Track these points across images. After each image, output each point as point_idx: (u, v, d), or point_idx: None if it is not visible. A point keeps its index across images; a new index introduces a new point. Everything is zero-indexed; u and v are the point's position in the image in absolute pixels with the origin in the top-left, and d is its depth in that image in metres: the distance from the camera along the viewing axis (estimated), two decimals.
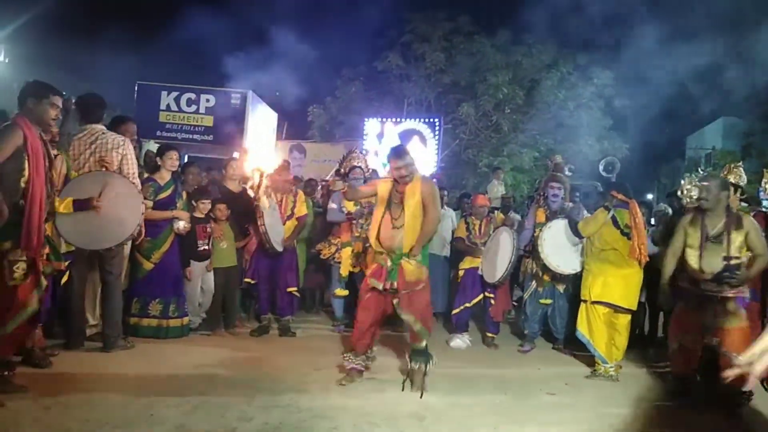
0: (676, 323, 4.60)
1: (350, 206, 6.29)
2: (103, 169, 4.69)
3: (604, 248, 5.26)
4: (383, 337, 5.29)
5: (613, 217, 5.27)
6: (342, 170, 6.70)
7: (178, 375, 4.34)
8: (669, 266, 4.50)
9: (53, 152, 4.01)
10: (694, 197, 4.39)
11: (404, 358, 4.66)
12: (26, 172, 3.52)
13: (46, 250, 3.84)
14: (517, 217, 7.31)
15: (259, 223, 5.69)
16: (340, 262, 6.32)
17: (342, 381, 4.43)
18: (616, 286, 5.14)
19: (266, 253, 5.99)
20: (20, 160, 3.51)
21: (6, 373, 3.64)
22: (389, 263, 4.33)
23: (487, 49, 15.34)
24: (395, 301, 4.37)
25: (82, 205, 4.28)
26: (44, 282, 3.78)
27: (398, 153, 4.44)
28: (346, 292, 6.41)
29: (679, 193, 4.75)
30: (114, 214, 4.50)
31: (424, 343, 4.40)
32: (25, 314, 3.61)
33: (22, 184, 3.53)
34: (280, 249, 5.91)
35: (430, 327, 4.50)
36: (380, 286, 4.35)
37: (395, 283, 4.32)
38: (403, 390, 4.31)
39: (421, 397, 4.19)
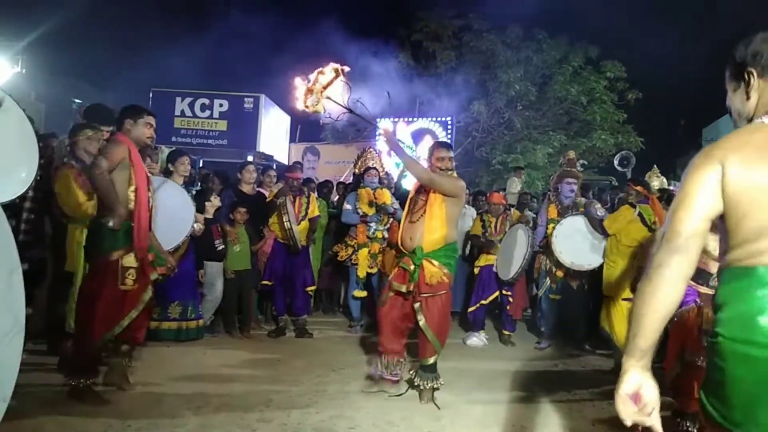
0: (678, 334, 3.58)
1: (365, 208, 6.33)
2: None
3: (632, 245, 5.19)
4: None
5: (639, 214, 5.22)
6: (357, 170, 6.74)
7: (198, 376, 4.39)
8: None
9: None
10: None
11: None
12: (133, 183, 3.84)
13: (152, 256, 3.99)
14: (531, 214, 7.30)
15: (284, 220, 5.78)
16: (357, 264, 6.35)
17: (364, 389, 4.28)
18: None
19: (282, 254, 6.06)
20: (127, 171, 3.82)
21: (89, 381, 3.71)
22: (411, 266, 4.15)
23: (497, 46, 15.27)
24: (416, 305, 4.16)
25: None
26: (151, 288, 3.97)
27: (447, 145, 4.58)
28: (364, 293, 6.45)
29: None
30: (169, 217, 4.56)
31: (432, 360, 4.14)
32: (129, 319, 3.84)
33: (131, 195, 3.84)
34: (300, 247, 6.00)
35: (443, 342, 4.19)
36: (403, 288, 4.17)
37: (414, 285, 4.14)
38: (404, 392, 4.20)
39: (435, 404, 4.05)
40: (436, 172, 4.26)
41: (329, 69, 4.26)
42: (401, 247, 4.35)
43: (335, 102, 4.26)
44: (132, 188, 3.84)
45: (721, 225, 1.47)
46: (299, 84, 4.28)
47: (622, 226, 5.27)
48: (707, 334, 1.55)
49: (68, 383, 3.69)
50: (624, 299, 5.15)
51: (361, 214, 6.35)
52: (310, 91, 4.22)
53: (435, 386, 4.12)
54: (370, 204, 6.36)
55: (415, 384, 4.16)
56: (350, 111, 4.36)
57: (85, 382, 3.67)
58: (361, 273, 6.35)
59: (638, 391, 1.43)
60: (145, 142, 4.03)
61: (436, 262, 4.14)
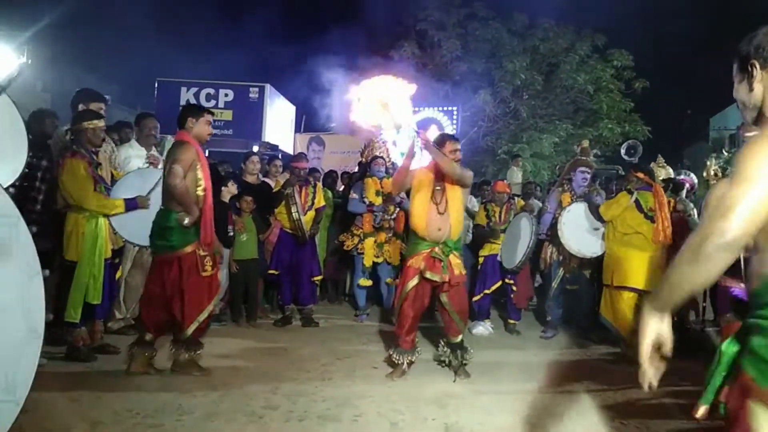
0: None
1: (372, 197, 6.32)
2: (149, 165, 4.81)
3: (627, 232, 5.21)
4: None
5: (636, 200, 5.21)
6: (364, 159, 6.73)
7: (204, 365, 4.42)
8: None
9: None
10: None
11: (427, 347, 4.71)
12: (202, 182, 4.13)
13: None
14: (538, 203, 7.27)
15: (292, 210, 5.80)
16: (363, 253, 6.36)
17: (391, 375, 4.40)
18: (640, 270, 5.10)
19: (288, 244, 6.08)
20: (196, 172, 4.09)
21: (197, 353, 4.20)
22: (442, 255, 4.35)
23: (503, 34, 15.18)
24: (443, 295, 4.41)
25: (132, 205, 4.45)
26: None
27: (456, 138, 4.79)
28: (370, 283, 6.48)
29: (704, 173, 4.71)
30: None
31: (460, 337, 4.51)
32: (213, 305, 4.30)
33: (200, 192, 4.12)
34: (308, 237, 6.03)
35: (466, 321, 4.69)
36: (438, 278, 4.33)
37: (446, 276, 4.35)
38: (454, 381, 4.36)
39: (462, 377, 4.40)
40: None
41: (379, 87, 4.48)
42: (427, 237, 4.39)
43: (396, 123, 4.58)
44: (201, 188, 4.12)
45: None
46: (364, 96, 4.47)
47: (617, 213, 5.26)
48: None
49: (182, 356, 4.12)
50: (621, 287, 5.14)
51: (367, 203, 6.35)
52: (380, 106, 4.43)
53: (469, 359, 4.47)
54: (377, 193, 6.36)
55: (448, 361, 4.50)
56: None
57: (193, 354, 4.16)
58: (368, 262, 6.36)
59: (658, 337, 1.56)
60: (206, 138, 4.27)
61: (458, 255, 4.49)
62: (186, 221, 3.99)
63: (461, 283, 4.49)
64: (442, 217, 4.38)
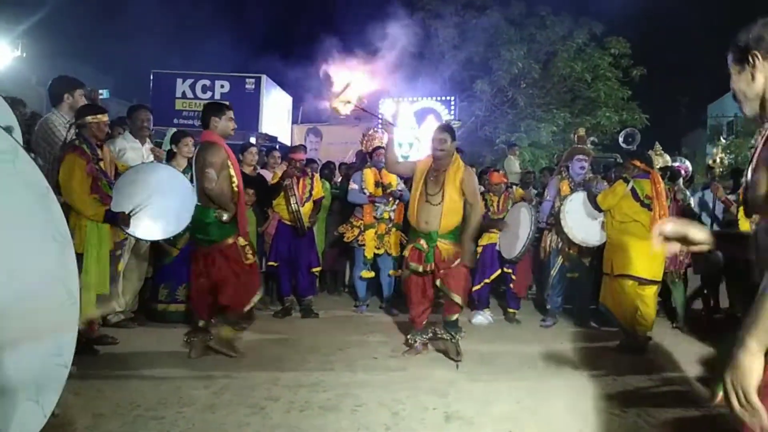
0: None
1: (371, 188, 6.30)
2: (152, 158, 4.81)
3: (625, 221, 5.22)
4: (406, 317, 5.35)
5: (632, 189, 5.21)
6: (364, 149, 6.71)
7: (205, 357, 4.43)
8: None
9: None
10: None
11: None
12: (235, 179, 4.39)
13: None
14: (533, 191, 7.27)
15: (291, 201, 5.79)
16: (363, 245, 6.36)
17: (405, 353, 4.71)
18: (639, 258, 5.10)
19: (287, 235, 6.07)
20: (228, 170, 4.35)
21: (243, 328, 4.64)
22: (426, 246, 4.52)
23: (500, 23, 15.10)
24: (437, 281, 4.57)
25: (111, 218, 4.23)
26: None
27: (441, 126, 4.83)
28: (372, 274, 6.47)
29: (710, 162, 4.71)
30: (169, 205, 4.50)
31: (456, 316, 4.62)
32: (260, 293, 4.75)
33: (234, 189, 4.38)
34: (306, 228, 6.03)
35: (465, 299, 4.71)
36: (420, 269, 4.59)
37: (432, 265, 4.54)
38: (457, 368, 4.44)
39: (460, 361, 4.51)
40: (434, 152, 4.60)
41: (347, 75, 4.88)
42: (415, 227, 4.62)
43: (364, 110, 5.12)
44: (235, 184, 4.38)
45: None
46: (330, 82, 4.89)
47: (614, 202, 5.26)
48: None
49: (226, 332, 4.46)
50: (621, 275, 5.15)
51: (367, 194, 6.32)
52: (336, 95, 4.84)
53: (459, 337, 4.61)
54: (377, 184, 6.33)
55: (440, 335, 4.66)
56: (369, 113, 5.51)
57: (238, 330, 4.58)
58: (369, 254, 6.35)
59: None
60: (231, 133, 4.53)
61: (447, 241, 4.54)
62: (224, 218, 4.31)
63: (455, 265, 4.53)
64: (434, 208, 4.50)
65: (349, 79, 4.86)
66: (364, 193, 6.34)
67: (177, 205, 4.44)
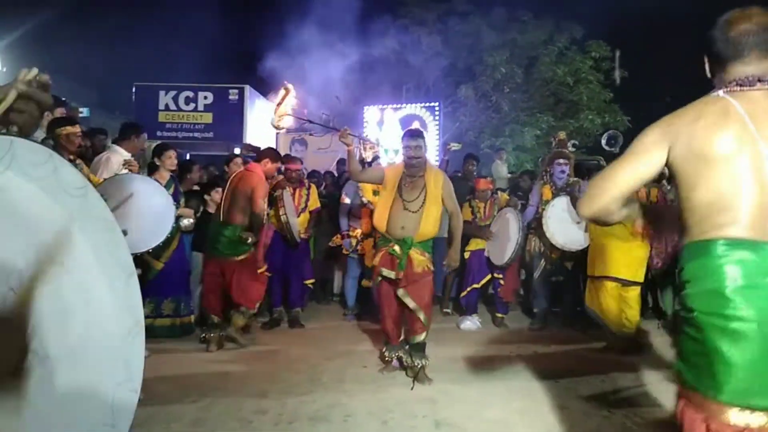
0: None
1: (370, 195, 6.19)
2: (126, 171, 4.76)
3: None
4: None
5: None
6: (364, 158, 6.69)
7: (193, 371, 4.40)
8: None
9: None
10: None
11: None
12: (266, 210, 5.22)
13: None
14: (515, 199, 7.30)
15: (281, 213, 5.74)
16: (363, 254, 6.31)
17: (382, 370, 4.51)
18: (622, 260, 5.15)
19: (279, 246, 6.02)
20: (265, 202, 5.12)
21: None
22: (400, 252, 4.25)
23: (482, 28, 15.21)
24: (400, 290, 4.31)
25: None
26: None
27: (412, 133, 4.52)
28: (371, 283, 6.42)
29: None
30: (146, 218, 4.50)
31: (423, 336, 4.33)
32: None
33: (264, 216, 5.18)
34: (298, 240, 5.96)
35: (430, 317, 4.40)
36: (392, 275, 4.30)
37: (402, 273, 4.26)
38: (412, 388, 4.14)
39: (427, 380, 4.26)
40: (409, 161, 4.39)
41: (282, 89, 5.05)
42: (387, 233, 4.36)
43: (297, 117, 5.35)
44: (265, 213, 5.25)
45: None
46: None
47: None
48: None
49: (240, 320, 5.18)
50: (604, 277, 5.18)
51: (366, 202, 6.27)
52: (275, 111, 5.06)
53: (425, 363, 4.30)
54: (375, 193, 6.24)
55: (406, 364, 4.39)
56: (309, 121, 6.09)
57: (250, 320, 5.47)
58: (369, 262, 6.25)
59: None
60: (271, 177, 5.63)
61: (421, 251, 4.30)
62: (250, 240, 5.01)
63: (424, 279, 4.30)
64: (412, 215, 4.27)
65: (284, 92, 4.93)
66: (363, 202, 6.30)
67: (153, 219, 4.43)
